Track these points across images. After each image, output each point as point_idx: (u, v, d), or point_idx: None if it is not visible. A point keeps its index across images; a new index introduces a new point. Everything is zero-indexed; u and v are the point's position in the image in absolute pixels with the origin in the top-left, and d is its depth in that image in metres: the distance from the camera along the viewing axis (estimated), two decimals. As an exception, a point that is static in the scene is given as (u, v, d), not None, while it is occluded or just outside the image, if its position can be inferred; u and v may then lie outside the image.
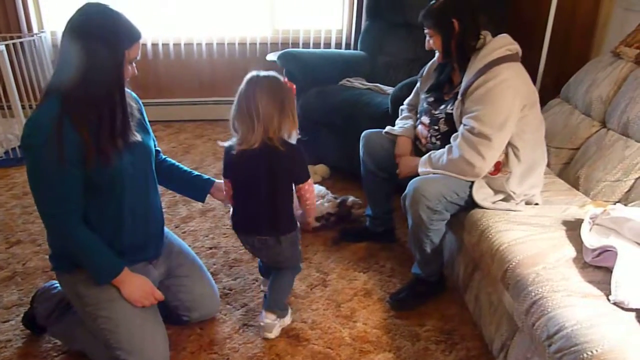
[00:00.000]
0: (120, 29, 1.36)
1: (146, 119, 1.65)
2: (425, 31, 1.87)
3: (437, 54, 1.91)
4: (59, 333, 1.69)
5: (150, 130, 1.66)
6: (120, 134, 1.44)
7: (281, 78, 1.63)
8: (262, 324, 1.76)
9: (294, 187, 1.69)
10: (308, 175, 1.68)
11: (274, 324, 1.77)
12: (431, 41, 1.87)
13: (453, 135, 1.82)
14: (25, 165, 1.39)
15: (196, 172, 1.87)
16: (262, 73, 1.61)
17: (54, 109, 1.34)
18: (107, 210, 1.50)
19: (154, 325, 1.56)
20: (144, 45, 3.76)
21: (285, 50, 3.25)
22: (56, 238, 1.54)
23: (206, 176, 1.87)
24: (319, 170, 3.02)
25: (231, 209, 1.78)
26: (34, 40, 3.39)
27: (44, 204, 1.42)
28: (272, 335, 1.76)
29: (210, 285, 1.82)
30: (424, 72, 2.11)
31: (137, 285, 1.53)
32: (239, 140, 1.62)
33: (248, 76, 1.61)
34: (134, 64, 1.44)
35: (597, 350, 1.10)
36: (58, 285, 1.73)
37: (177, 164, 1.85)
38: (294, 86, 1.69)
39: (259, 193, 1.64)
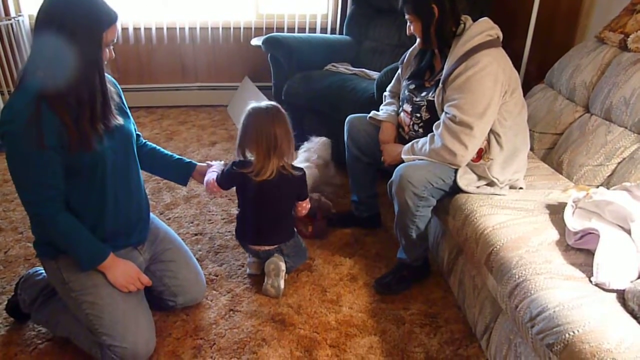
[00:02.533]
0: (96, 10, 1.33)
1: (125, 103, 1.62)
2: (406, 17, 1.86)
3: (417, 40, 1.91)
4: (43, 320, 1.67)
5: (130, 115, 1.63)
6: (101, 118, 1.41)
7: (280, 107, 1.80)
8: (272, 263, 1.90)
9: None
10: (307, 195, 1.94)
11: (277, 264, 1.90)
12: (412, 27, 1.86)
13: (435, 124, 1.82)
14: (4, 152, 1.35)
15: (177, 156, 1.85)
16: (265, 105, 1.78)
17: (31, 94, 1.30)
18: (89, 195, 1.48)
19: (139, 311, 1.55)
20: (126, 29, 3.69)
21: (270, 35, 3.21)
22: (39, 225, 1.51)
23: (187, 159, 1.85)
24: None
25: (236, 222, 2.00)
26: (11, 24, 3.31)
27: (25, 191, 1.39)
28: (282, 269, 1.90)
29: (196, 270, 1.81)
30: (405, 58, 2.10)
31: (123, 270, 1.52)
32: (255, 171, 1.77)
33: (252, 108, 1.77)
34: (111, 47, 1.41)
35: (578, 331, 1.12)
36: (42, 271, 1.71)
37: (157, 147, 1.83)
38: (286, 113, 1.84)
39: (268, 211, 1.88)
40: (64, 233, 1.45)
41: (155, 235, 1.75)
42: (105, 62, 1.41)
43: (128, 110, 1.62)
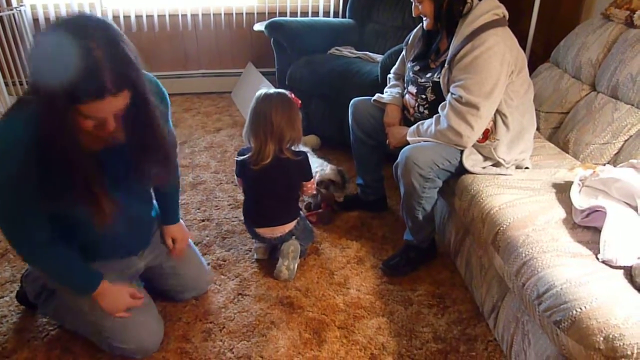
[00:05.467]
0: (70, 78, 1.03)
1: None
2: None
3: (424, 21, 1.87)
4: (50, 314, 1.68)
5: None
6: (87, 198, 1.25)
7: (289, 94, 1.83)
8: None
9: None
10: (312, 175, 1.97)
11: (297, 246, 1.95)
12: (420, 7, 1.82)
13: (441, 105, 1.81)
14: None
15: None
16: (272, 90, 1.82)
17: (22, 134, 1.15)
18: (82, 230, 1.40)
19: (142, 310, 1.54)
20: (128, 17, 3.67)
21: (272, 19, 3.19)
22: (27, 261, 1.47)
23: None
24: (309, 140, 3.00)
25: (243, 205, 2.04)
26: (13, 14, 3.30)
27: (9, 231, 1.31)
28: (299, 251, 1.95)
29: (199, 265, 1.80)
30: (409, 40, 2.08)
31: (115, 297, 1.48)
32: (253, 156, 1.81)
33: (259, 94, 1.81)
34: (111, 118, 1.16)
35: (585, 307, 1.12)
36: None
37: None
38: (300, 101, 1.87)
39: (273, 194, 1.91)
40: (52, 267, 1.42)
41: (157, 237, 1.71)
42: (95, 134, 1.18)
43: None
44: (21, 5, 3.40)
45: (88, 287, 1.46)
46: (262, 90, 1.84)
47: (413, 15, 1.87)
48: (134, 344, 1.50)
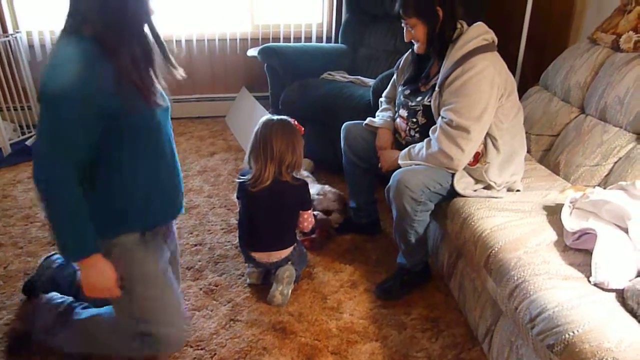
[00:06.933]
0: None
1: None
2: (404, 22, 1.84)
3: (415, 45, 1.89)
4: (60, 343, 1.59)
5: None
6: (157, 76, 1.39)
7: (292, 121, 1.87)
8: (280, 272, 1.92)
9: None
10: (311, 204, 1.99)
11: (293, 272, 1.94)
12: (412, 31, 1.83)
13: (432, 128, 1.83)
14: (41, 114, 1.25)
15: None
16: (275, 117, 1.87)
17: (83, 41, 1.23)
18: (146, 163, 1.42)
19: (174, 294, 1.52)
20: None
21: (266, 45, 3.23)
22: (46, 193, 1.31)
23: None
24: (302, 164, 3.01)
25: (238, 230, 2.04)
26: (9, 40, 3.33)
27: (52, 149, 1.25)
28: (294, 277, 1.94)
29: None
30: (400, 64, 2.11)
31: (103, 273, 1.37)
32: (253, 179, 1.83)
33: (263, 119, 1.86)
34: None
35: (578, 331, 1.12)
36: (57, 297, 1.67)
37: None
38: (302, 128, 1.90)
39: (271, 218, 1.90)
40: (69, 208, 1.30)
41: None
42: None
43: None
44: (17, 32, 3.43)
45: (86, 247, 1.34)
46: (266, 117, 1.88)
47: (405, 40, 1.89)
48: (166, 325, 1.43)
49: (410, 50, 2.02)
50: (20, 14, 3.56)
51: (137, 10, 1.29)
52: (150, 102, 1.35)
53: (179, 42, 3.82)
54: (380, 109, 2.19)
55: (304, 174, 2.01)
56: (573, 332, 1.12)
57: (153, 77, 1.38)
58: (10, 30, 3.52)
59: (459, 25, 1.81)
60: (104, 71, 1.24)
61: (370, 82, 2.88)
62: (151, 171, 1.44)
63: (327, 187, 2.50)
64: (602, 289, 1.26)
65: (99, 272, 1.37)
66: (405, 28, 1.86)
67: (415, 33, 1.83)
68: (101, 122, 1.28)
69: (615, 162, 1.84)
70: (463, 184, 1.79)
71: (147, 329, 1.43)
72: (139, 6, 1.29)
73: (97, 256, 1.35)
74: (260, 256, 1.94)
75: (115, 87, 1.25)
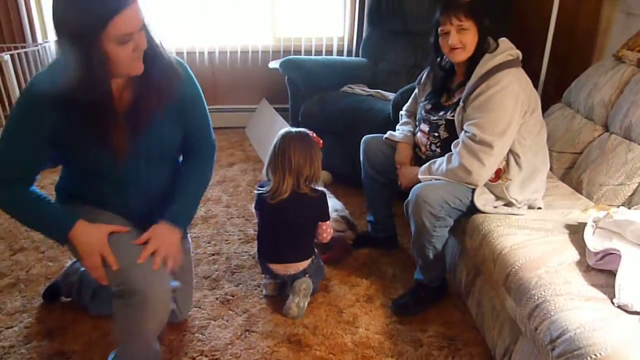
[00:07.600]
0: (90, 6, 1.18)
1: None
2: (455, 24, 1.74)
3: (456, 52, 1.78)
4: (98, 309, 1.80)
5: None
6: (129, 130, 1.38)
7: (310, 133, 1.88)
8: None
9: None
10: (329, 217, 1.96)
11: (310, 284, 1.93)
12: (462, 36, 1.75)
13: (454, 143, 1.82)
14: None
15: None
16: (294, 130, 1.89)
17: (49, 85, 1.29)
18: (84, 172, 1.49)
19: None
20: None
21: (287, 57, 3.26)
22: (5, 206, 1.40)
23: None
24: (321, 176, 3.01)
25: (257, 242, 2.04)
26: (38, 50, 3.42)
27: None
28: (311, 289, 1.94)
29: (189, 297, 1.84)
30: (422, 78, 2.10)
31: (92, 234, 1.36)
32: (272, 191, 1.84)
33: (282, 132, 1.87)
34: (136, 37, 1.25)
35: (600, 354, 1.09)
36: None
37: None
38: (321, 141, 1.91)
39: (289, 229, 1.90)
40: (29, 208, 1.38)
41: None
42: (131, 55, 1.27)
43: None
44: (46, 42, 3.52)
45: (63, 226, 1.36)
46: (284, 129, 1.90)
47: (450, 43, 1.77)
48: (141, 281, 1.31)
49: (430, 65, 2.02)
50: (49, 24, 3.66)
51: (95, 68, 1.27)
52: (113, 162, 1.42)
53: (201, 53, 3.88)
54: (400, 122, 2.19)
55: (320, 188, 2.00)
56: (595, 355, 1.09)
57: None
58: (39, 39, 3.61)
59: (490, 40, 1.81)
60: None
61: (390, 95, 2.89)
62: (94, 190, 1.49)
63: (333, 208, 2.47)
64: (626, 311, 1.23)
65: (88, 234, 1.37)
66: (451, 32, 1.76)
67: (465, 37, 1.76)
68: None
69: (640, 182, 1.80)
70: (483, 200, 1.77)
71: (119, 286, 1.34)
72: (95, 63, 1.27)
73: (80, 223, 1.38)
74: (278, 268, 1.94)
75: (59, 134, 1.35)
